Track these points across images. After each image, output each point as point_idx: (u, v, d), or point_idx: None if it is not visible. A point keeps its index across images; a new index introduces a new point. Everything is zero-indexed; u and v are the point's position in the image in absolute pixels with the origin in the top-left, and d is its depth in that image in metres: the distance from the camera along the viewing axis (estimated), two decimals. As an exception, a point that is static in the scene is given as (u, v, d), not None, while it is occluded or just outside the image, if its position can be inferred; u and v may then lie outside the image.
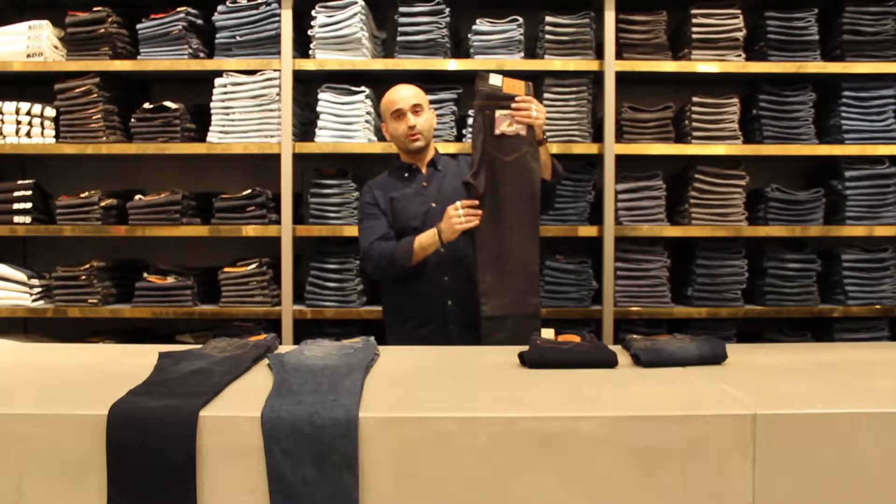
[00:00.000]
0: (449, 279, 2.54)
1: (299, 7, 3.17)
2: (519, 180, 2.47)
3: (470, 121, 3.03)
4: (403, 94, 2.60)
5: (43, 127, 3.19)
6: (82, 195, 3.18)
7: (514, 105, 2.45)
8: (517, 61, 3.16)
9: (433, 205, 2.57)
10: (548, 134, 3.15)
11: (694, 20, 3.16)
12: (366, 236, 2.58)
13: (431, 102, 2.78)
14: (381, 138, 3.21)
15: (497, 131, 2.46)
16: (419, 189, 2.62)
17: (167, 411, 1.35)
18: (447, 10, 3.16)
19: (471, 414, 1.36)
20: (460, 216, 2.41)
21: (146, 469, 1.31)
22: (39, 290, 3.23)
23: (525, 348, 1.80)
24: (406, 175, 2.65)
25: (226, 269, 3.19)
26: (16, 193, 3.20)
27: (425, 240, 2.47)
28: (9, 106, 3.18)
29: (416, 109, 2.58)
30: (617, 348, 1.92)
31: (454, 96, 3.21)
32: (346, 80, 3.19)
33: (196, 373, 1.59)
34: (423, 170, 2.65)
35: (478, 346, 2.36)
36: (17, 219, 3.19)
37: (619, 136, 3.17)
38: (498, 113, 2.46)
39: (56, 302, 3.18)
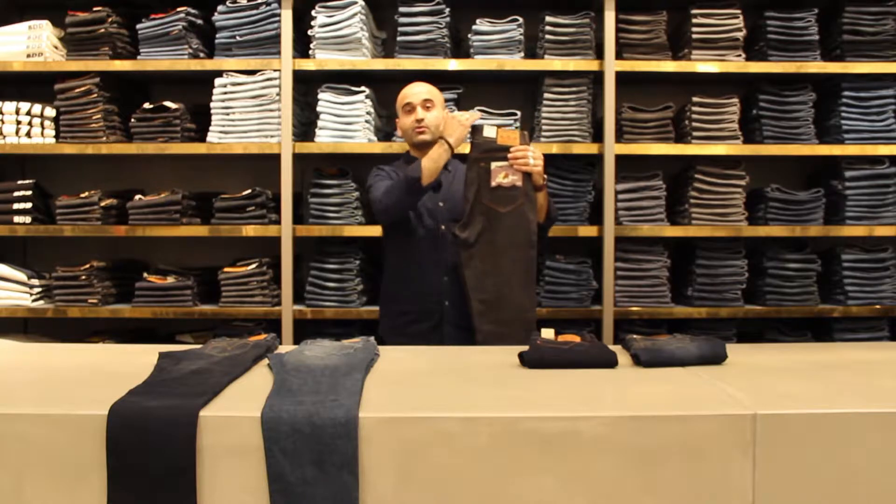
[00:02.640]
0: (448, 280, 2.54)
1: (299, 7, 3.17)
2: (515, 231, 2.47)
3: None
4: (416, 90, 2.63)
5: (43, 127, 3.19)
6: (82, 195, 3.18)
7: (510, 155, 2.45)
8: (517, 61, 3.16)
9: (441, 204, 2.58)
10: (548, 134, 3.16)
11: (694, 20, 3.16)
12: (375, 188, 2.55)
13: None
14: (382, 138, 3.22)
15: (493, 183, 2.46)
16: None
17: (167, 411, 1.35)
18: (447, 10, 3.16)
19: (471, 414, 1.36)
20: (464, 118, 2.48)
21: (146, 469, 1.31)
22: (39, 290, 3.23)
23: (525, 348, 1.80)
24: None
25: (226, 269, 3.19)
26: (16, 193, 3.20)
27: (432, 152, 2.45)
28: (9, 106, 3.18)
29: (426, 105, 2.60)
30: (617, 348, 1.92)
31: (454, 96, 3.21)
32: (346, 80, 3.19)
33: (196, 373, 1.59)
34: None
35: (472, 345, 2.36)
36: (17, 219, 3.19)
37: (619, 136, 3.17)
38: (494, 165, 2.46)
39: (56, 302, 3.18)
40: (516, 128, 3.11)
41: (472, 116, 2.48)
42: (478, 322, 2.45)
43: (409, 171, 2.46)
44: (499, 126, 2.54)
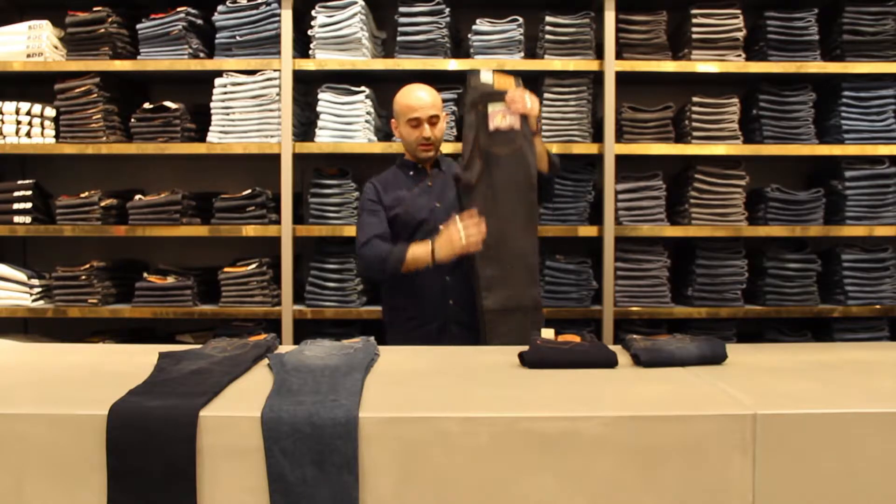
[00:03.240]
0: (451, 279, 2.54)
1: (299, 7, 3.17)
2: (514, 173, 2.48)
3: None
4: (423, 102, 2.56)
5: (43, 127, 3.19)
6: (82, 195, 3.18)
7: (507, 97, 2.47)
8: (517, 61, 3.16)
9: (437, 204, 2.59)
10: (548, 134, 3.16)
11: (694, 20, 3.16)
12: (363, 231, 2.56)
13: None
14: (382, 138, 3.22)
15: (491, 126, 2.48)
16: (424, 188, 2.63)
17: (167, 411, 1.35)
18: (447, 10, 3.16)
19: (471, 414, 1.36)
20: (461, 239, 2.34)
21: (146, 469, 1.31)
22: (39, 290, 3.23)
23: (525, 348, 1.80)
24: (412, 174, 2.66)
25: (226, 269, 3.19)
26: (16, 193, 3.20)
27: (419, 253, 2.43)
28: (9, 106, 3.18)
29: (433, 120, 2.57)
30: (617, 348, 1.92)
31: (454, 96, 3.21)
32: (346, 80, 3.19)
33: (196, 373, 1.59)
34: (429, 170, 2.66)
35: (478, 345, 2.36)
36: (17, 219, 3.19)
37: (619, 136, 3.17)
38: (491, 108, 2.48)
39: (56, 302, 3.18)
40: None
41: (469, 244, 2.36)
42: (480, 268, 2.45)
43: (393, 253, 2.45)
44: (494, 71, 2.55)
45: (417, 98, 2.58)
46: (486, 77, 2.49)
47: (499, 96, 2.48)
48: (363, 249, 2.54)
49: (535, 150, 2.52)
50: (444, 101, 3.17)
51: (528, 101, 2.46)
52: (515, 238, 2.48)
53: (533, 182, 2.50)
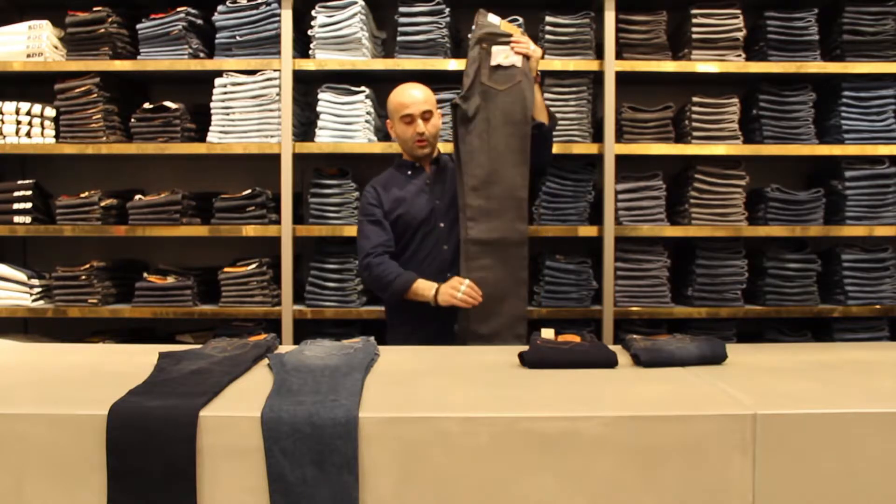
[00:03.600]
0: (451, 276, 2.54)
1: (299, 7, 3.17)
2: (511, 107, 2.55)
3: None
4: (415, 99, 2.59)
5: (43, 127, 3.19)
6: (82, 195, 3.18)
7: (513, 38, 2.56)
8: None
9: (437, 202, 2.59)
10: (548, 134, 3.17)
11: (694, 20, 3.16)
12: (368, 240, 2.57)
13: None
14: (381, 138, 3.22)
15: (493, 62, 2.56)
16: (422, 187, 2.63)
17: (167, 411, 1.35)
18: (447, 10, 3.16)
19: (471, 414, 1.36)
20: (460, 292, 2.42)
21: (146, 469, 1.31)
22: (39, 290, 3.23)
23: (525, 348, 1.80)
24: (410, 173, 2.66)
25: (226, 269, 3.19)
26: (16, 193, 3.20)
27: (422, 290, 2.47)
28: (9, 106, 3.18)
29: (426, 116, 2.58)
30: (617, 348, 1.92)
31: (454, 96, 3.20)
32: (346, 80, 3.19)
33: (196, 373, 1.59)
34: (427, 168, 2.66)
35: (483, 344, 2.38)
36: (17, 219, 3.19)
37: (619, 136, 3.17)
38: (495, 48, 2.56)
39: (56, 302, 3.18)
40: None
41: (461, 301, 2.43)
42: (469, 198, 2.51)
43: (399, 280, 2.48)
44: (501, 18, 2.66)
45: (409, 95, 2.60)
46: (494, 19, 2.60)
47: (503, 38, 2.57)
48: (372, 261, 2.54)
49: (536, 104, 2.58)
50: (445, 101, 3.18)
51: (532, 45, 2.56)
52: (506, 171, 2.54)
53: (528, 116, 2.56)
